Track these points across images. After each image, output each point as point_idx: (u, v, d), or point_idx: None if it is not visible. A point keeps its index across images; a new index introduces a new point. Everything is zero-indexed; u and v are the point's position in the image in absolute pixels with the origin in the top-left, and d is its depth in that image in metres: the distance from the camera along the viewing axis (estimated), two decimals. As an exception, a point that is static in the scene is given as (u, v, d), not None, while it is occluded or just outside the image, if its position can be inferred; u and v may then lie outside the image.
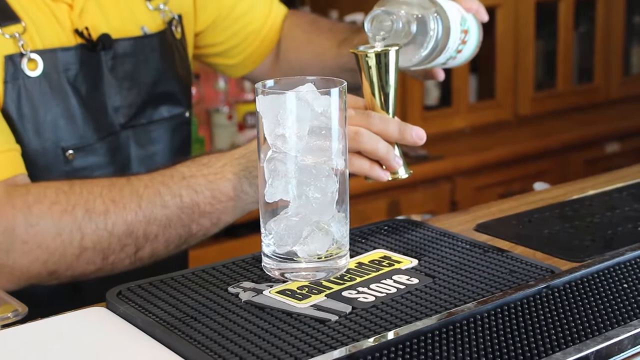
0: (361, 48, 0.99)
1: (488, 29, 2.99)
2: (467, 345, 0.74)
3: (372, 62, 0.98)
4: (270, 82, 0.87)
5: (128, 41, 1.19)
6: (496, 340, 0.75)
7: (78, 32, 1.14)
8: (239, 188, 1.03)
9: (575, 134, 3.07)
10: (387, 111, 1.01)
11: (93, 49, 1.15)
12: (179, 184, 1.03)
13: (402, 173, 1.03)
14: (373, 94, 1.00)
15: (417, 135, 1.01)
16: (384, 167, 1.01)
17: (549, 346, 0.74)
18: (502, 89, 3.03)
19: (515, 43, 3.03)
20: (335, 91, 0.84)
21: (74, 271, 1.03)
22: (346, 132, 0.87)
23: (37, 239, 1.00)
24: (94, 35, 1.15)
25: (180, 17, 1.28)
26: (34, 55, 1.09)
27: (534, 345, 0.74)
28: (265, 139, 0.84)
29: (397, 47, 0.98)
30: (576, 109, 3.23)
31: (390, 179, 1.02)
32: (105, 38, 1.16)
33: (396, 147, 1.02)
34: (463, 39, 1.09)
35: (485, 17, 1.15)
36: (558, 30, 3.18)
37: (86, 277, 1.05)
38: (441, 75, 1.20)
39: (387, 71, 0.99)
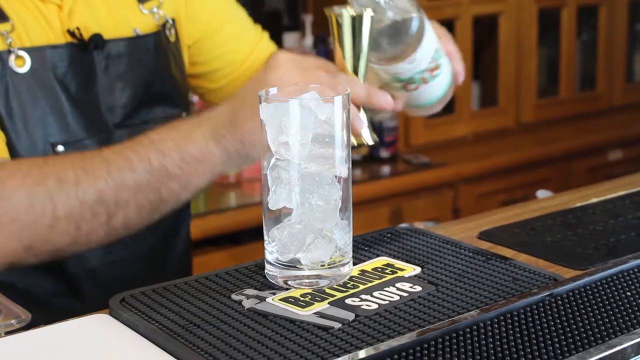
0: (336, 10, 0.99)
1: (491, 35, 3.01)
2: (470, 353, 0.74)
3: (347, 23, 0.98)
4: (273, 90, 0.87)
5: (122, 42, 1.20)
6: (499, 348, 0.75)
7: (70, 32, 1.15)
8: (205, 149, 1.03)
9: (578, 141, 3.07)
10: (357, 75, 1.01)
11: (84, 49, 1.16)
12: (147, 148, 1.04)
13: (368, 138, 1.03)
14: (344, 57, 1.00)
15: (385, 100, 1.02)
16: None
17: (552, 354, 0.74)
18: (505, 96, 3.03)
19: (517, 50, 3.03)
20: (338, 99, 0.84)
21: (49, 244, 1.03)
22: (350, 140, 0.87)
23: (11, 213, 1.01)
24: (86, 36, 1.17)
25: (174, 20, 1.28)
26: (22, 52, 1.11)
27: (537, 354, 0.74)
28: (268, 146, 0.84)
29: (371, 13, 0.98)
30: (579, 117, 3.23)
31: (355, 144, 1.02)
32: (97, 38, 1.17)
33: (362, 111, 1.02)
34: (432, 68, 1.07)
35: (459, 68, 1.14)
36: (561, 38, 3.18)
37: (63, 252, 1.06)
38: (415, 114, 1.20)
39: (360, 34, 0.98)
